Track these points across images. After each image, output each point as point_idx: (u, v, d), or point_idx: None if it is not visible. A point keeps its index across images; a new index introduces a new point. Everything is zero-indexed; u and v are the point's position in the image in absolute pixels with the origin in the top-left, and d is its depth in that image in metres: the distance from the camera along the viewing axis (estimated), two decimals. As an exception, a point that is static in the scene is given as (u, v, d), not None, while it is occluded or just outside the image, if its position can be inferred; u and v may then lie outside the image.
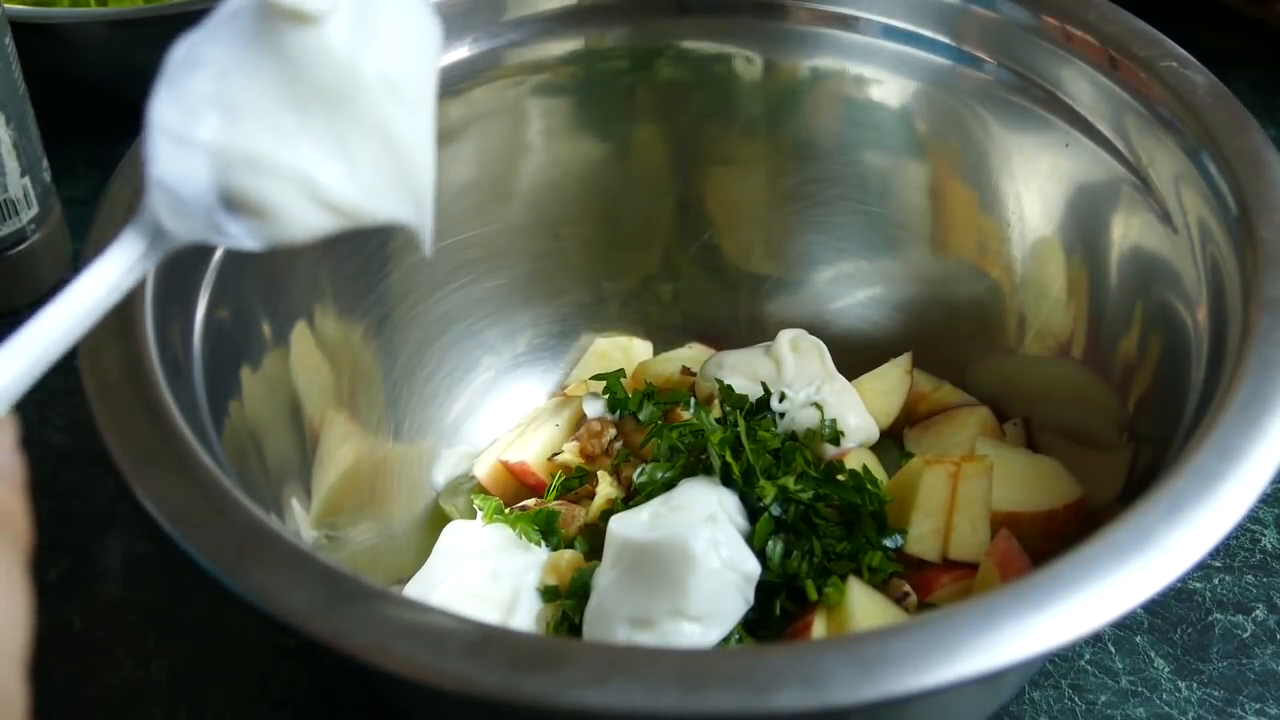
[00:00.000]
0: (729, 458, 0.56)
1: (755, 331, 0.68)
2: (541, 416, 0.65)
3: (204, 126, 0.36)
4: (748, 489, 0.56)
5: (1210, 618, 0.60)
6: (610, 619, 0.52)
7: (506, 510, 0.61)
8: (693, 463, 0.58)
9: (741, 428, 0.57)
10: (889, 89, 0.66)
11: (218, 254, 0.53)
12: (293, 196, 0.37)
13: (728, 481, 0.56)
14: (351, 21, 0.37)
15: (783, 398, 0.61)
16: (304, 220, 0.37)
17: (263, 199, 0.36)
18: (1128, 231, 0.59)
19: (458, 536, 0.59)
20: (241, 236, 0.37)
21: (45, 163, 0.73)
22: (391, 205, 0.39)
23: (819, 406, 0.61)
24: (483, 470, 0.64)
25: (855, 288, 0.69)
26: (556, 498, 0.61)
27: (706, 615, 0.51)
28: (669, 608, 0.51)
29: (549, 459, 0.63)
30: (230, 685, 0.58)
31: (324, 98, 0.36)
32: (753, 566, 0.53)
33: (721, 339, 0.69)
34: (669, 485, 0.57)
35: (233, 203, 0.36)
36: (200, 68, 0.37)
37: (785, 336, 0.64)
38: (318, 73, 0.36)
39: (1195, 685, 0.57)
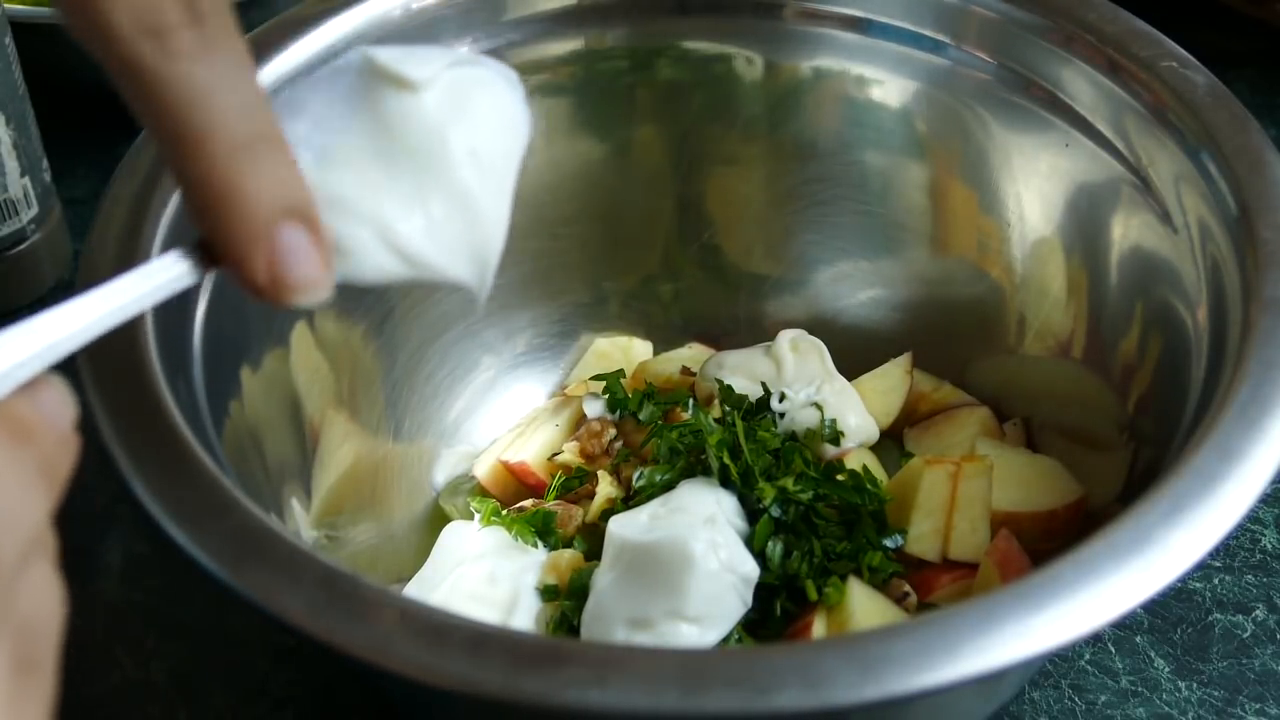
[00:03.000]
0: (727, 459, 0.56)
1: (755, 331, 0.68)
2: (541, 416, 0.65)
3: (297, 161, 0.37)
4: (746, 490, 0.56)
5: (1210, 618, 0.60)
6: (609, 620, 0.52)
7: (504, 512, 0.61)
8: (692, 463, 0.58)
9: (740, 429, 0.57)
10: (889, 89, 0.66)
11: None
12: (369, 240, 0.38)
13: (726, 483, 0.56)
14: (448, 95, 0.39)
15: (783, 398, 0.61)
16: (375, 264, 0.39)
17: (340, 237, 0.38)
18: (1128, 231, 0.59)
19: (456, 538, 0.59)
20: None
21: (45, 163, 0.73)
22: (459, 266, 0.41)
23: (819, 406, 0.61)
24: (483, 470, 0.64)
25: (855, 288, 0.69)
26: (556, 498, 0.61)
27: (705, 617, 0.51)
28: (667, 609, 0.51)
29: (549, 459, 0.63)
30: (230, 685, 0.58)
31: (412, 158, 0.39)
32: (751, 568, 0.53)
33: (721, 339, 0.69)
34: (668, 487, 0.57)
35: None
36: (300, 113, 0.38)
37: (785, 336, 0.64)
38: (409, 135, 0.39)
39: (1195, 685, 0.57)
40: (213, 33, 0.32)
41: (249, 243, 0.34)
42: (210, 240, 0.35)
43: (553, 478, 0.62)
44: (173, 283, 0.36)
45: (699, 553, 0.52)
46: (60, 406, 0.31)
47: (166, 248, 0.51)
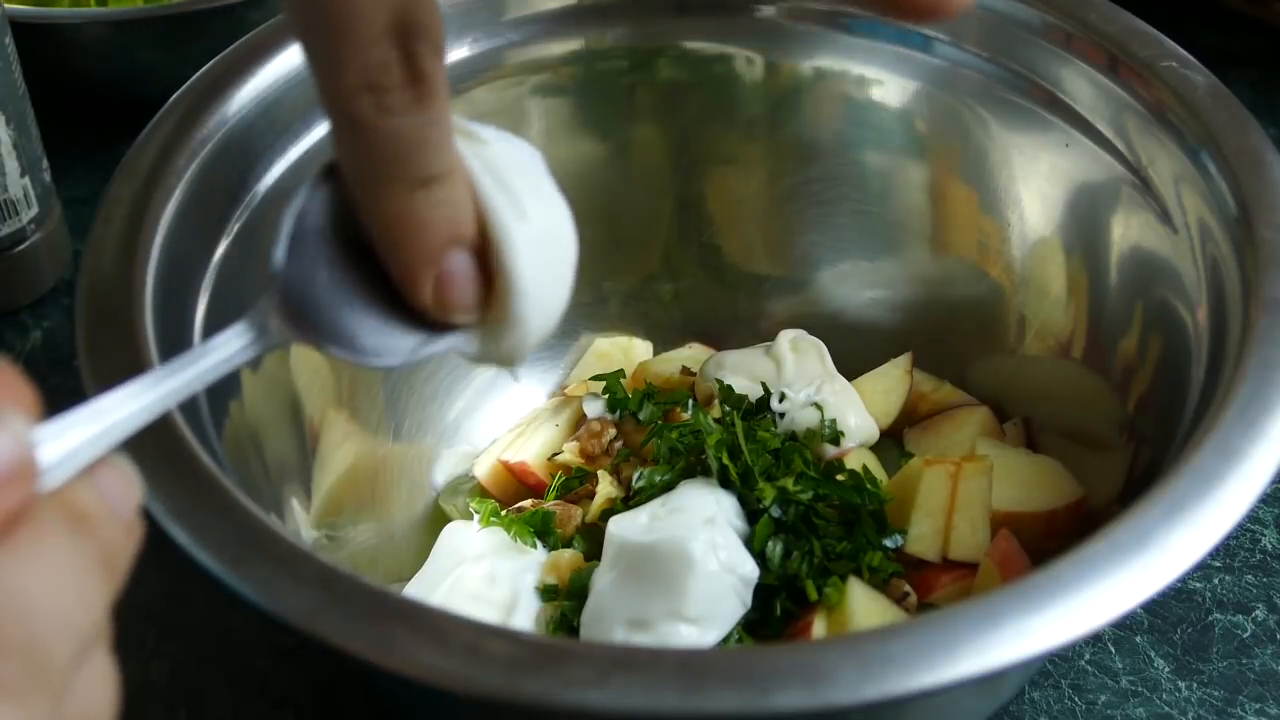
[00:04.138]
0: (726, 460, 0.56)
1: (755, 331, 0.68)
2: (541, 416, 0.65)
3: None
4: (746, 491, 0.56)
5: (1210, 618, 0.60)
6: (608, 620, 0.52)
7: (503, 512, 0.61)
8: (692, 463, 0.58)
9: (739, 429, 0.57)
10: (889, 89, 0.66)
11: (218, 254, 0.53)
12: None
13: (726, 483, 0.56)
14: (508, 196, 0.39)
15: (783, 398, 0.61)
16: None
17: None
18: (1128, 231, 0.59)
19: (456, 538, 0.59)
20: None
21: (45, 163, 0.73)
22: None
23: (819, 406, 0.61)
24: (482, 470, 0.64)
25: (855, 288, 0.69)
26: (556, 498, 0.61)
27: (704, 617, 0.51)
28: (667, 610, 0.51)
29: (549, 459, 0.63)
30: (230, 685, 0.58)
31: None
32: (750, 569, 0.53)
33: (721, 339, 0.69)
34: (668, 488, 0.57)
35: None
36: None
37: (785, 336, 0.64)
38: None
39: (1195, 685, 0.57)
40: (426, 92, 0.35)
41: (422, 267, 0.37)
42: (386, 264, 0.37)
43: (552, 478, 0.62)
44: (235, 357, 0.36)
45: (698, 553, 0.52)
46: (125, 490, 0.30)
47: (167, 248, 0.51)
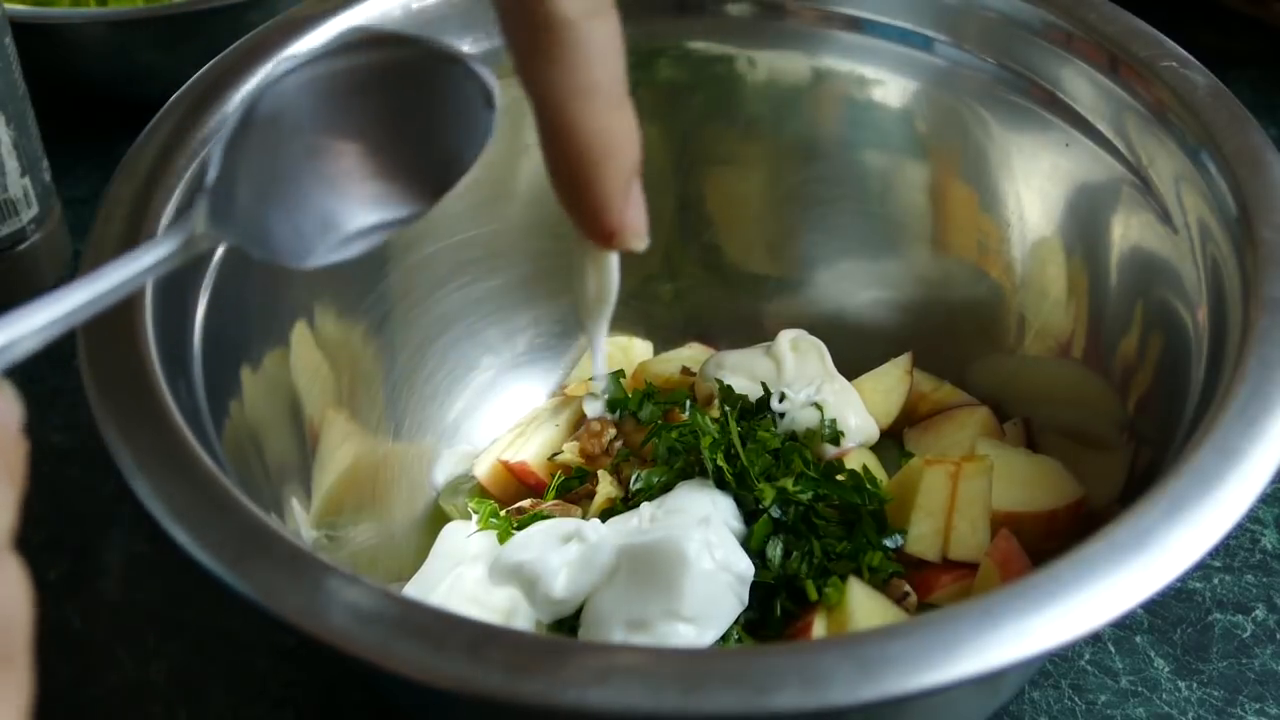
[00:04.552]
0: (721, 461, 0.56)
1: (755, 331, 0.68)
2: (541, 416, 0.65)
3: None
4: (744, 491, 0.56)
5: (1210, 618, 0.60)
6: (606, 621, 0.52)
7: (502, 514, 0.61)
8: (692, 463, 0.58)
9: (734, 431, 0.57)
10: (889, 89, 0.66)
11: (218, 254, 0.53)
12: None
13: (722, 484, 0.56)
14: None
15: (783, 398, 0.61)
16: None
17: None
18: (1128, 231, 0.59)
19: (455, 538, 0.59)
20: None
21: (45, 163, 0.73)
22: None
23: (819, 406, 0.61)
24: (483, 470, 0.64)
25: (855, 288, 0.69)
26: (555, 497, 0.61)
27: (701, 617, 0.51)
28: (664, 610, 0.51)
29: (549, 459, 0.63)
30: (230, 685, 0.58)
31: None
32: (746, 567, 0.53)
33: (721, 339, 0.69)
34: (665, 489, 0.57)
35: None
36: None
37: (785, 336, 0.64)
38: None
39: (1195, 685, 0.57)
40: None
41: (621, 187, 0.39)
42: (582, 183, 0.39)
43: (552, 478, 0.62)
44: (158, 265, 0.37)
45: (693, 553, 0.52)
46: (10, 405, 0.31)
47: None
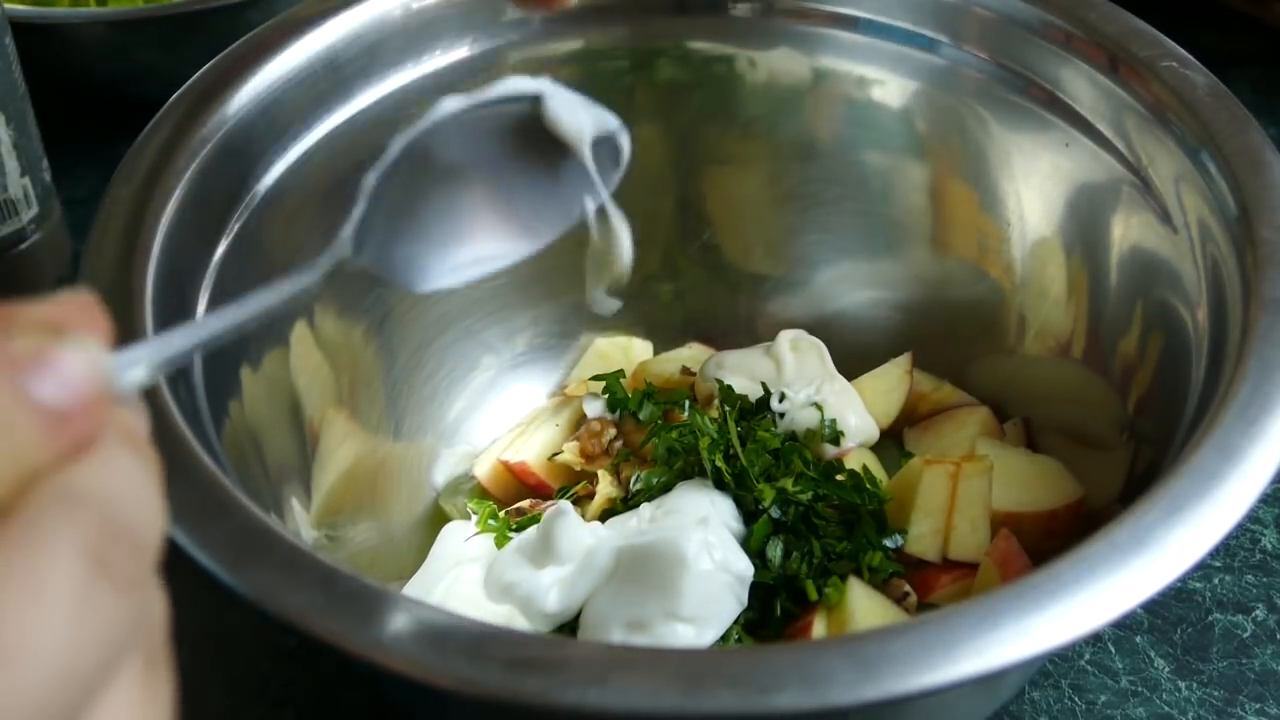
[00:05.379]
0: (720, 462, 0.56)
1: (755, 331, 0.68)
2: (541, 416, 0.65)
3: None
4: (743, 492, 0.56)
5: (1210, 618, 0.60)
6: (605, 622, 0.52)
7: (502, 514, 0.61)
8: (691, 463, 0.58)
9: (733, 431, 0.57)
10: (889, 89, 0.66)
11: (218, 254, 0.53)
12: None
13: (721, 485, 0.56)
14: None
15: (783, 398, 0.61)
16: None
17: None
18: (1128, 231, 0.59)
19: (454, 539, 0.59)
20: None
21: (45, 163, 0.73)
22: None
23: (819, 406, 0.61)
24: (482, 470, 0.64)
25: (855, 288, 0.69)
26: (560, 498, 0.61)
27: (700, 617, 0.51)
28: (663, 610, 0.51)
29: (549, 459, 0.63)
30: (230, 685, 0.58)
31: None
32: (744, 567, 0.53)
33: (721, 339, 0.69)
34: (665, 489, 0.57)
35: None
36: None
37: (785, 336, 0.64)
38: None
39: (1195, 685, 0.57)
40: None
41: None
42: None
43: (554, 479, 0.62)
44: (304, 292, 0.38)
45: (691, 553, 0.52)
46: (142, 420, 0.32)
47: (167, 248, 0.51)
